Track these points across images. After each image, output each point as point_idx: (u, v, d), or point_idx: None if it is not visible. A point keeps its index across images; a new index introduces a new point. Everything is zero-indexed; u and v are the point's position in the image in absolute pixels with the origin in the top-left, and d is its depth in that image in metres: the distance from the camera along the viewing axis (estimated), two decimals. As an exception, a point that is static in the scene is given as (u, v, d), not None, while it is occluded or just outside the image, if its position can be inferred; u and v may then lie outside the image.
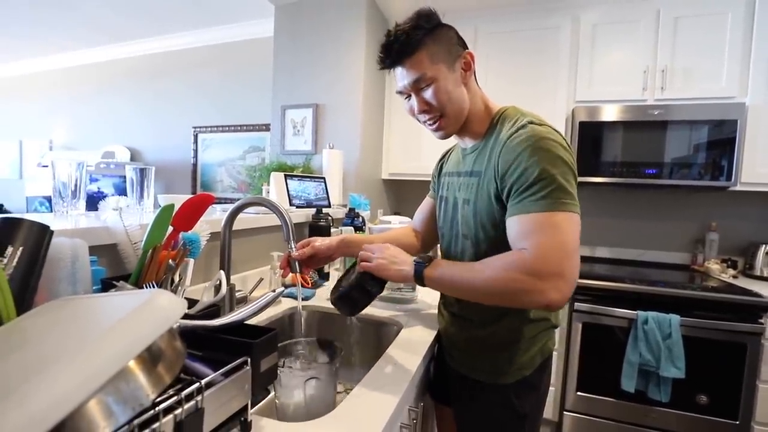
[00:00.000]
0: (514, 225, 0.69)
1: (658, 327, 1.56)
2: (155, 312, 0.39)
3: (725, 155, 1.74)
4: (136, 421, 0.36)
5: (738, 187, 1.78)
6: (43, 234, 0.52)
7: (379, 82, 2.25)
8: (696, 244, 2.10)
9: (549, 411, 1.82)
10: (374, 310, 1.11)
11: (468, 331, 0.85)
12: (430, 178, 1.08)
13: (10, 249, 0.48)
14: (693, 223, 2.13)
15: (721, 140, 1.75)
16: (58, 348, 0.34)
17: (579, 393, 1.74)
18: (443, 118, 0.79)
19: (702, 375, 1.58)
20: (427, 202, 1.07)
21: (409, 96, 0.81)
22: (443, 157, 1.03)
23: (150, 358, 0.38)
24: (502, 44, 2.10)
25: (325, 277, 1.41)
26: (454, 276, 0.72)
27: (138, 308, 0.38)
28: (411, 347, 0.85)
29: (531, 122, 0.72)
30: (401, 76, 0.78)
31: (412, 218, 1.59)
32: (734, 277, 1.88)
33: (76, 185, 0.92)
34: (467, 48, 0.81)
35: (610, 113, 1.88)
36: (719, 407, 1.57)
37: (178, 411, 0.41)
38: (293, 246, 0.88)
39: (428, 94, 0.77)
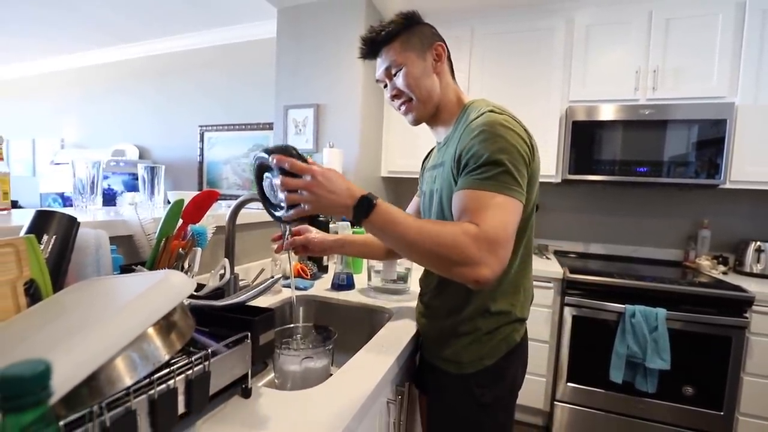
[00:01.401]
0: (459, 199, 0.71)
1: (644, 320, 1.62)
2: (169, 288, 0.46)
3: (715, 154, 1.79)
4: (155, 376, 0.44)
5: (727, 185, 1.82)
6: (71, 225, 0.60)
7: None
8: (689, 241, 2.15)
9: (540, 401, 1.89)
10: (368, 299, 1.19)
11: (434, 321, 0.89)
12: None
13: (45, 237, 0.56)
14: (686, 220, 2.17)
15: (712, 139, 1.79)
16: (91, 315, 0.42)
17: (569, 384, 1.80)
18: (411, 102, 0.84)
19: (688, 367, 1.63)
20: (414, 201, 1.12)
21: (386, 85, 0.86)
22: (426, 156, 1.06)
23: (165, 326, 0.46)
24: (498, 45, 2.15)
25: (324, 269, 1.49)
26: (400, 219, 0.66)
27: (155, 284, 0.46)
28: (398, 332, 0.93)
29: (491, 110, 0.75)
30: (378, 65, 0.86)
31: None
32: (724, 273, 1.93)
33: (93, 182, 1.00)
34: (443, 42, 0.86)
35: (603, 113, 1.93)
36: (705, 398, 1.63)
37: (189, 372, 0.48)
38: (289, 230, 0.94)
39: (398, 79, 0.83)
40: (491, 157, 0.68)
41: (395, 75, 0.83)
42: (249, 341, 0.58)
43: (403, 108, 0.86)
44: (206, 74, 3.19)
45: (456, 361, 0.82)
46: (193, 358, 0.49)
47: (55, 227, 0.57)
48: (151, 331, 0.44)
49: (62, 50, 3.64)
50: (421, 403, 1.10)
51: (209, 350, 0.52)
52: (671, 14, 1.87)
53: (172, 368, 0.46)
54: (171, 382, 0.46)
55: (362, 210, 0.64)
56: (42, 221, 0.57)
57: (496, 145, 0.69)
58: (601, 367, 1.71)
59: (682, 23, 1.86)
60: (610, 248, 2.30)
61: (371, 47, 0.85)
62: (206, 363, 0.51)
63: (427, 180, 0.94)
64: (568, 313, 1.78)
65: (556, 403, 1.83)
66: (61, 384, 0.34)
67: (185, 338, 0.48)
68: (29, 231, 0.56)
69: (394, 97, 0.86)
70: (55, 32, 3.23)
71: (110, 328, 0.41)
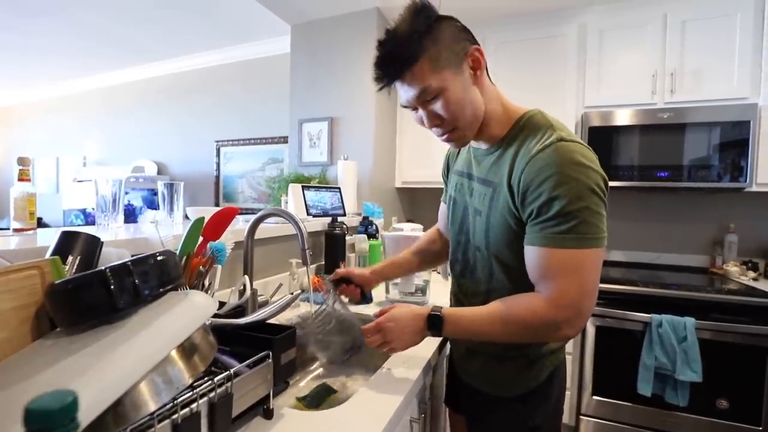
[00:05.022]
0: (534, 256, 0.65)
1: (672, 330, 1.55)
2: (192, 309, 0.46)
3: (739, 156, 1.73)
4: (178, 400, 0.43)
5: (754, 188, 1.76)
6: (95, 245, 0.61)
7: (390, 93, 2.33)
8: (715, 247, 2.07)
9: (566, 415, 1.82)
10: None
11: (471, 348, 0.85)
12: (442, 186, 1.03)
13: (70, 258, 0.56)
14: (711, 224, 2.10)
15: (735, 141, 1.73)
16: (117, 337, 0.42)
17: (595, 397, 1.74)
18: (456, 130, 0.70)
19: (722, 379, 1.56)
20: (443, 209, 1.03)
21: (417, 108, 0.72)
22: (452, 152, 0.95)
23: (188, 348, 0.45)
24: (512, 53, 2.14)
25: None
26: (470, 320, 0.71)
27: (178, 306, 0.46)
28: (419, 347, 0.90)
29: (561, 139, 0.63)
30: (403, 91, 0.69)
31: (424, 225, 1.64)
32: (755, 279, 1.85)
33: (114, 200, 1.02)
34: (474, 41, 0.70)
35: (619, 118, 1.89)
36: (741, 412, 1.55)
37: (212, 395, 0.48)
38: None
39: (437, 106, 0.68)
40: (567, 208, 0.60)
41: (431, 101, 0.68)
42: (271, 360, 0.58)
43: (443, 136, 0.73)
44: (222, 90, 3.27)
45: (500, 384, 0.79)
46: (215, 380, 0.48)
47: (79, 248, 0.58)
48: (174, 354, 0.44)
49: (86, 72, 3.78)
50: (453, 421, 1.07)
51: (231, 371, 0.51)
52: (687, 16, 1.83)
53: (194, 391, 0.46)
54: (194, 405, 0.45)
55: (436, 328, 0.71)
56: (67, 242, 0.58)
57: (572, 192, 0.60)
58: (628, 380, 1.64)
59: (698, 24, 1.82)
60: (631, 255, 2.24)
61: (392, 72, 0.68)
62: (228, 384, 0.50)
63: (460, 188, 0.84)
64: (590, 323, 1.73)
65: (581, 417, 1.76)
66: (88, 411, 0.34)
67: (207, 360, 0.48)
68: (54, 252, 0.57)
69: (434, 126, 0.71)
70: (81, 56, 3.36)
71: (135, 351, 0.40)
